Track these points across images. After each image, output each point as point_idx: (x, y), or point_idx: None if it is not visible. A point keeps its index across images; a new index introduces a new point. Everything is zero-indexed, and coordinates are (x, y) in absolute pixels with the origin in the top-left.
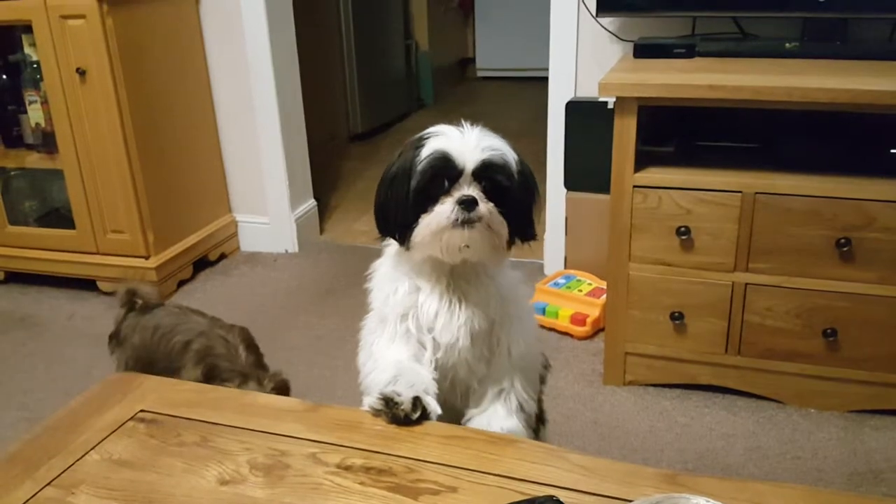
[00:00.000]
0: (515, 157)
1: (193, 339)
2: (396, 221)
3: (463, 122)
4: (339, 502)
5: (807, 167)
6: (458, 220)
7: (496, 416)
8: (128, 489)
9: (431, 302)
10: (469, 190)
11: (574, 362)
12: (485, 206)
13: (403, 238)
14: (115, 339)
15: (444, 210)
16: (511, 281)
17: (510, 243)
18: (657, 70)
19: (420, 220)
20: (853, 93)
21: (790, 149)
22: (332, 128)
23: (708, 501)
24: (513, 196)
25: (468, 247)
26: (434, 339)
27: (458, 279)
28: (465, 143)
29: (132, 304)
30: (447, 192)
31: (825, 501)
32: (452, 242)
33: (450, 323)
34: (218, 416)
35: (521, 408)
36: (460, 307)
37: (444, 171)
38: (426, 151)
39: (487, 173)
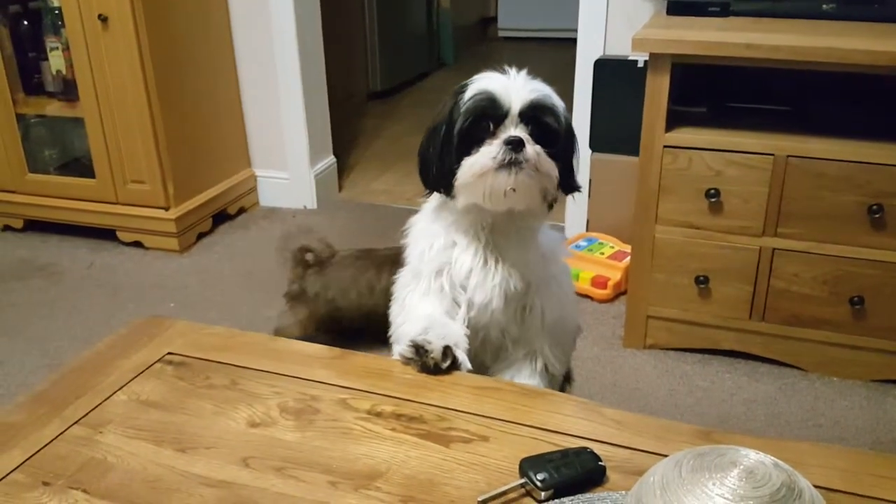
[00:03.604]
0: (561, 102)
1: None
2: (439, 168)
3: (506, 68)
4: (370, 447)
5: (841, 131)
6: (504, 160)
7: (520, 374)
8: (157, 429)
9: (466, 258)
10: (516, 131)
11: (594, 325)
12: (532, 148)
13: (447, 185)
14: (301, 297)
15: (490, 151)
16: (552, 239)
17: (554, 199)
18: (692, 27)
19: (463, 162)
20: (894, 55)
21: (824, 112)
22: (351, 85)
23: (758, 454)
24: (560, 140)
25: (514, 191)
26: (468, 298)
27: (497, 236)
28: (512, 83)
29: (306, 260)
30: (492, 135)
31: (865, 462)
32: (498, 186)
33: (484, 282)
34: (247, 360)
35: (546, 369)
36: (496, 266)
37: (490, 112)
38: (470, 93)
39: (535, 114)
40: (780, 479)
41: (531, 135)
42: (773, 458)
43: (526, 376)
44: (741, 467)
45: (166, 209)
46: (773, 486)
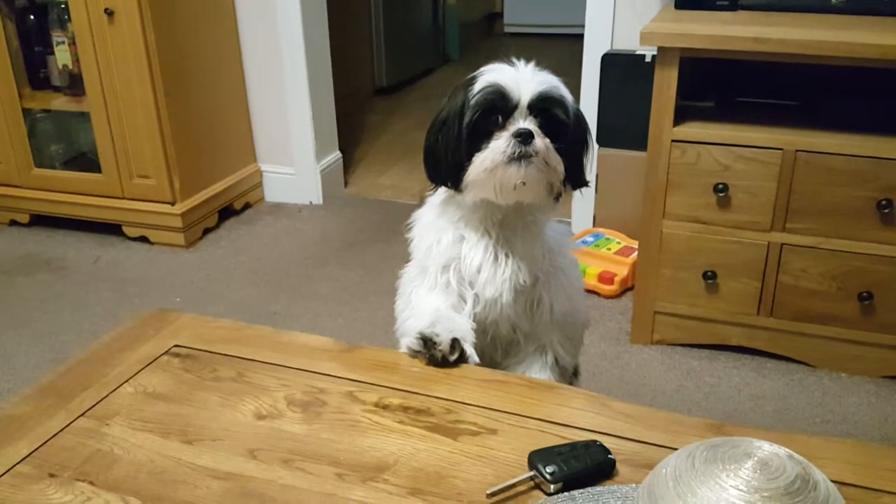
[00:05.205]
0: (570, 95)
1: None
2: (448, 163)
3: (514, 59)
4: (377, 440)
5: (850, 126)
6: (514, 154)
7: (531, 369)
8: (163, 421)
9: (475, 254)
10: (525, 123)
11: (601, 320)
12: (541, 141)
13: (456, 180)
14: None
15: (500, 145)
16: (558, 233)
17: (559, 193)
18: (700, 21)
19: (474, 158)
20: None
21: (833, 107)
22: (357, 81)
23: (772, 446)
24: (569, 134)
25: (524, 184)
26: (476, 293)
27: (506, 230)
28: (520, 75)
29: None
30: (502, 128)
31: (876, 456)
32: (508, 179)
33: (494, 277)
34: (253, 352)
35: (557, 362)
36: (506, 261)
37: (499, 105)
38: (479, 86)
39: (544, 106)
40: (795, 470)
41: (540, 127)
42: (787, 449)
43: (537, 371)
44: (755, 459)
45: (172, 204)
46: (788, 478)
